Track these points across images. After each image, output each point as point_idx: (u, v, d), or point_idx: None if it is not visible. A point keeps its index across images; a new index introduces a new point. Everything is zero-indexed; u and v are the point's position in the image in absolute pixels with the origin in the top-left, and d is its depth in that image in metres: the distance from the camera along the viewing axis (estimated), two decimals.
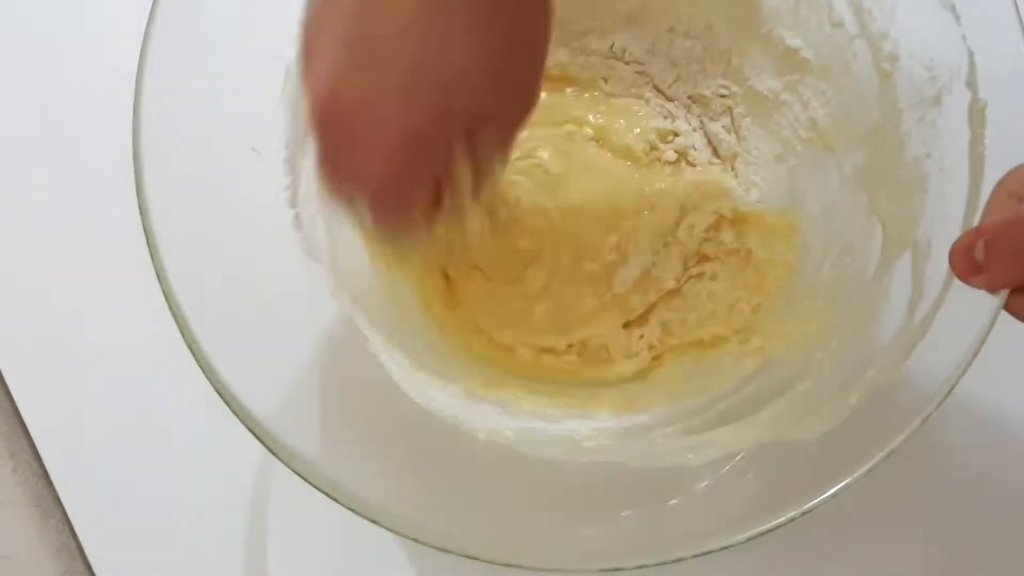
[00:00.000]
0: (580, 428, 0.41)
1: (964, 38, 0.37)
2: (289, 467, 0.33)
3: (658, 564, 0.32)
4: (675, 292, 0.47)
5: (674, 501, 0.37)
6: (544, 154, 0.49)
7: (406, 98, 0.34)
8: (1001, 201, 0.34)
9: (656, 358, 0.46)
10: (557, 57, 0.51)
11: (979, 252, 0.33)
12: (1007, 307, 0.33)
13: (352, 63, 0.34)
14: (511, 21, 0.34)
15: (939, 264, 0.36)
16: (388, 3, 0.33)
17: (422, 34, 0.33)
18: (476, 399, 0.41)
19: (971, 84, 0.37)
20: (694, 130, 0.51)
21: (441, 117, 0.35)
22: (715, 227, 0.48)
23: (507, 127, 0.37)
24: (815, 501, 0.32)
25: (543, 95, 0.37)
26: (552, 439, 0.40)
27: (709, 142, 0.51)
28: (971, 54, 0.37)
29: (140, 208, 0.34)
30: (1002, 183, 0.34)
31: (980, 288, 0.34)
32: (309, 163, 0.38)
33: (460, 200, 0.37)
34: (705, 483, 0.37)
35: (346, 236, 0.43)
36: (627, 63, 0.51)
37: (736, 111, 0.50)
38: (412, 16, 0.33)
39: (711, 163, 0.50)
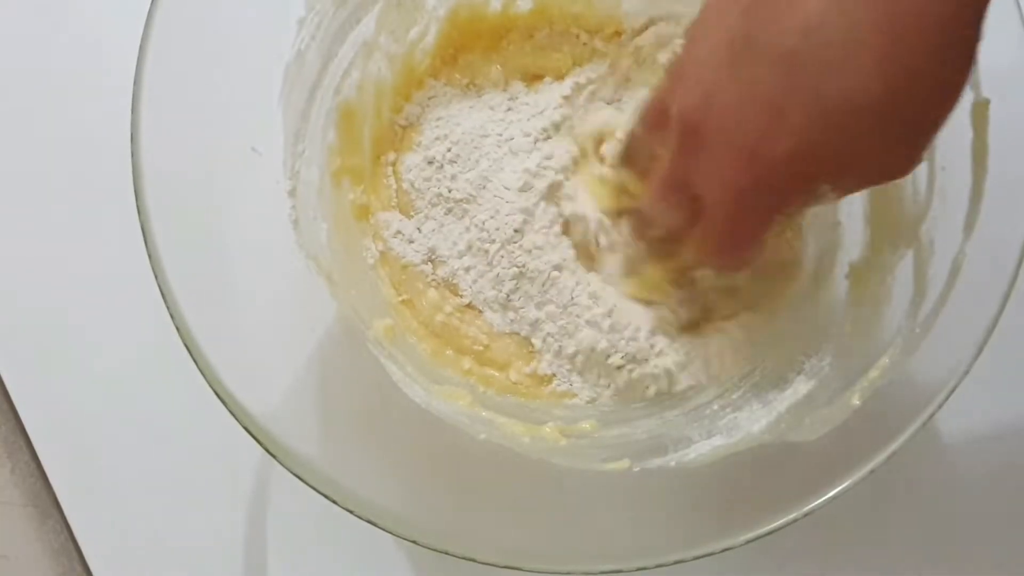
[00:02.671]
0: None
1: None
2: (288, 468, 0.33)
3: (658, 565, 0.32)
4: None
5: (674, 502, 0.37)
6: None
7: (776, 125, 0.31)
8: None
9: None
10: None
11: None
12: None
13: (731, 74, 0.31)
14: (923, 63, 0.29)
15: (941, 264, 0.36)
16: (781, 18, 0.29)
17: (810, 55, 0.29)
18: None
19: (973, 83, 0.37)
20: None
21: (804, 160, 0.31)
22: None
23: (868, 182, 0.33)
24: (816, 502, 0.32)
25: None
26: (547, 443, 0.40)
27: None
28: None
29: (139, 208, 0.34)
30: None
31: None
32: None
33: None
34: (705, 484, 0.37)
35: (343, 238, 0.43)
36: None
37: None
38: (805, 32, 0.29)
39: None
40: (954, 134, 0.37)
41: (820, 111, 0.30)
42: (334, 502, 0.32)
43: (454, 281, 0.44)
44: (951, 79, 0.30)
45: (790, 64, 0.30)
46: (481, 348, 0.44)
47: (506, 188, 0.43)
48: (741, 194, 0.33)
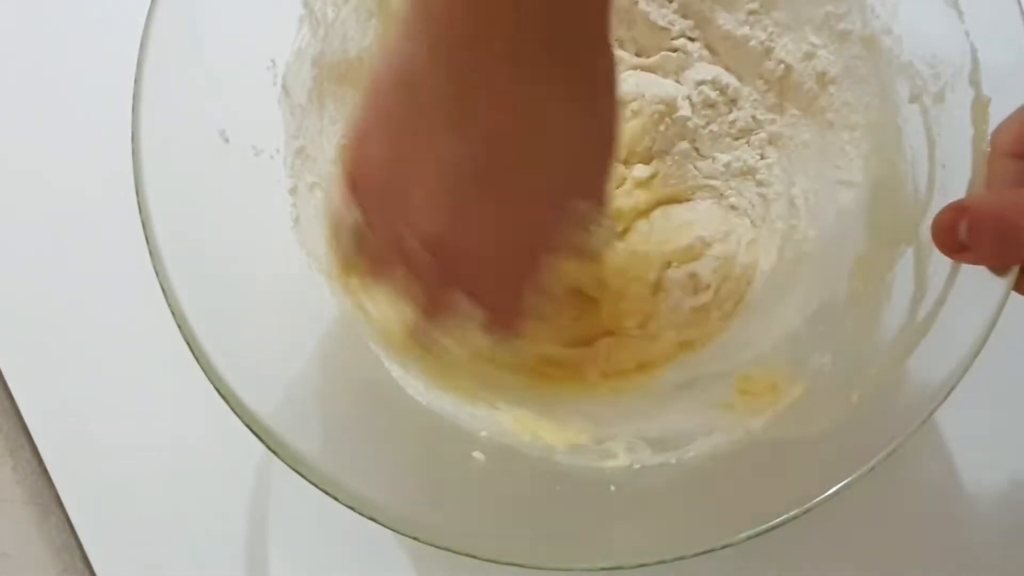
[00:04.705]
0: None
1: (967, 34, 0.37)
2: (289, 465, 0.33)
3: (658, 563, 0.32)
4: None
5: (674, 499, 0.37)
6: None
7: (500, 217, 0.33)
8: (996, 166, 0.34)
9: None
10: None
11: (962, 232, 0.33)
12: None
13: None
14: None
15: (941, 262, 0.36)
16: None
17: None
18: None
19: (974, 81, 0.37)
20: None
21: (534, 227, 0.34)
22: None
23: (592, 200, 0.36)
24: (815, 500, 0.32)
25: None
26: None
27: None
28: (974, 50, 0.36)
29: (140, 207, 0.34)
30: (994, 142, 0.34)
31: (968, 263, 0.34)
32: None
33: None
34: (705, 481, 0.37)
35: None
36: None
37: None
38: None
39: None
40: (954, 132, 0.37)
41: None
42: (335, 499, 0.32)
43: None
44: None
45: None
46: None
47: None
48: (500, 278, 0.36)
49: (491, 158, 0.32)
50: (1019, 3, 0.36)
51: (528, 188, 0.34)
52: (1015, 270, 0.33)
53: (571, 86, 0.32)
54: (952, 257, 0.34)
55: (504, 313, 0.37)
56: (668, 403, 0.42)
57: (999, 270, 0.33)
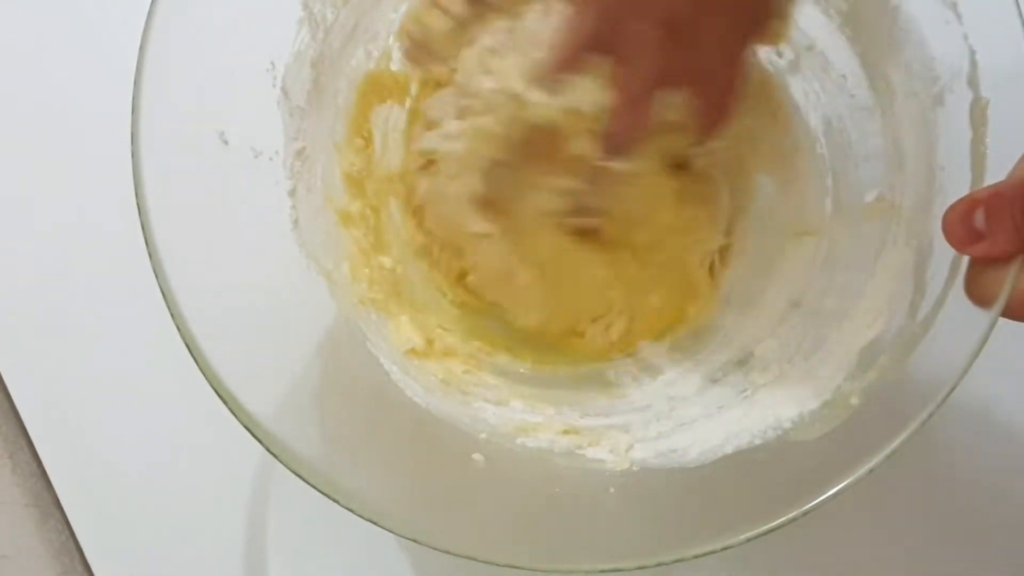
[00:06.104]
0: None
1: (966, 37, 0.37)
2: (288, 468, 0.33)
3: (658, 564, 0.32)
4: None
5: (674, 501, 0.37)
6: None
7: None
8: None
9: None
10: None
11: (979, 219, 0.32)
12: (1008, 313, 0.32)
13: None
14: None
15: (941, 263, 0.36)
16: None
17: None
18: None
19: (973, 83, 0.37)
20: None
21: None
22: None
23: None
24: (815, 501, 0.32)
25: None
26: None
27: None
28: (972, 53, 0.37)
29: (139, 208, 0.34)
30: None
31: (978, 256, 0.32)
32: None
33: None
34: (705, 483, 0.37)
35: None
36: None
37: None
38: None
39: None
40: (953, 134, 0.37)
41: None
42: (335, 501, 0.32)
43: None
44: None
45: None
46: None
47: None
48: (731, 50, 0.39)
49: None
50: (1017, 6, 0.36)
51: None
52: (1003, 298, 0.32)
53: None
54: (962, 250, 0.33)
55: (715, 110, 0.40)
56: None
57: (987, 303, 0.32)
